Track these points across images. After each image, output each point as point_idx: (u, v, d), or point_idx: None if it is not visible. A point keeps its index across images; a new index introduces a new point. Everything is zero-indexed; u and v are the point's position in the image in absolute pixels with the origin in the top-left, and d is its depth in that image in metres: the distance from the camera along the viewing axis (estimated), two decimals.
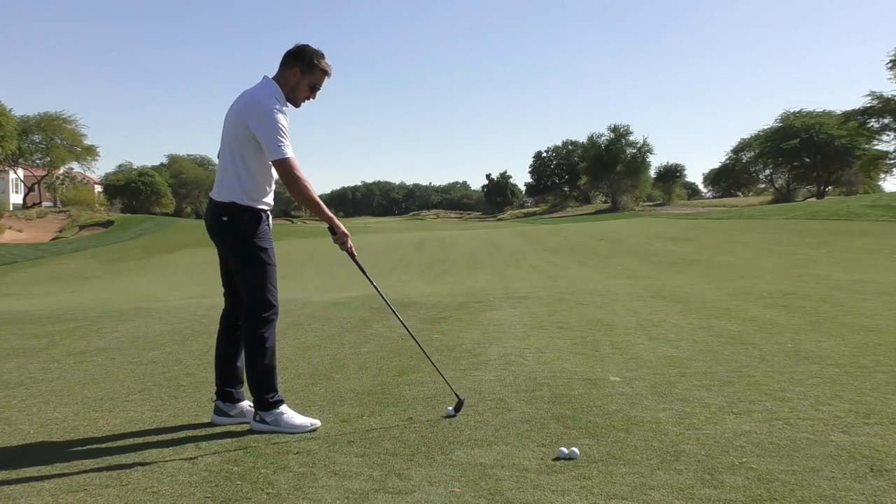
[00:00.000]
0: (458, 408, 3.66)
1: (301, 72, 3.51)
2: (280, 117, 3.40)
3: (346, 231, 3.54)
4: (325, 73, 3.57)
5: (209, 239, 3.61)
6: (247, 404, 3.67)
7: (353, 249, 3.62)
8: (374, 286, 3.80)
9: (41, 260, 29.01)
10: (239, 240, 3.53)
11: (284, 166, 3.39)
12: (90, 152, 60.20)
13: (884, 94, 49.24)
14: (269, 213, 3.62)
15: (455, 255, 21.95)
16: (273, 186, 3.63)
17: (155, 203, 66.16)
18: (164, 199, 67.89)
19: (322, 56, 3.55)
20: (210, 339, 6.29)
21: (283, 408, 3.54)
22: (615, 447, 3.07)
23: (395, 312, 3.91)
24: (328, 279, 16.63)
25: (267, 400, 3.52)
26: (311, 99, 3.62)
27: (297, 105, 3.60)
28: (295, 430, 3.44)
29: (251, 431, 3.50)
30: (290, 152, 3.40)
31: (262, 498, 2.63)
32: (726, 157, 78.90)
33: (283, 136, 3.38)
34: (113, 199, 66.47)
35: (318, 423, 3.52)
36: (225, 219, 3.52)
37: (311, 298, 8.72)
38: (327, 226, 3.56)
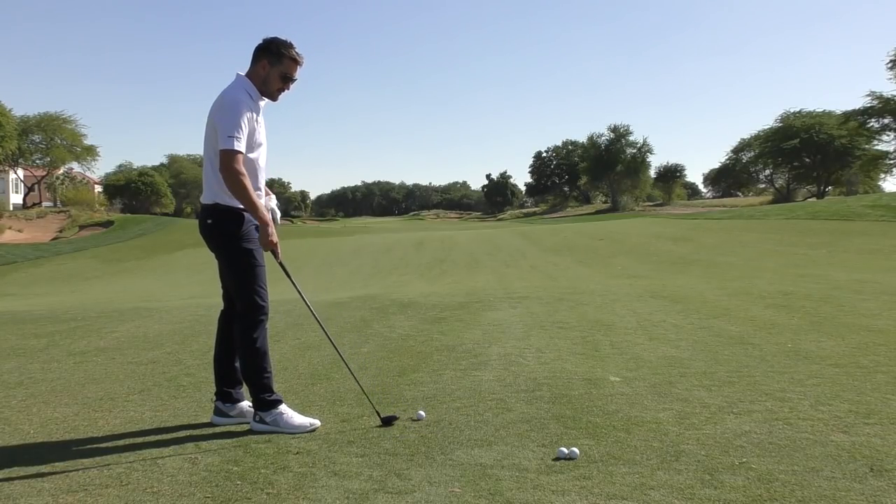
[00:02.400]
0: (387, 421, 3.48)
1: (270, 63, 3.49)
2: (241, 109, 3.37)
3: (270, 225, 3.39)
4: (294, 61, 3.52)
5: None
6: (246, 404, 3.67)
7: (278, 248, 3.50)
8: (299, 292, 3.70)
9: (41, 260, 29.01)
10: (223, 241, 3.51)
11: (227, 157, 3.34)
12: (90, 152, 60.21)
13: (884, 94, 49.28)
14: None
15: (455, 255, 21.94)
16: (260, 184, 3.57)
17: (155, 203, 66.14)
18: (164, 199, 67.89)
19: (290, 45, 3.52)
20: (210, 339, 6.29)
21: (283, 407, 3.53)
22: (615, 447, 3.06)
23: (318, 321, 3.82)
24: (328, 279, 16.63)
25: (265, 399, 3.52)
26: (286, 90, 3.57)
27: (273, 98, 3.56)
28: (294, 430, 3.44)
29: (251, 431, 3.50)
30: (238, 145, 3.34)
31: (262, 498, 2.63)
32: (726, 157, 78.94)
33: (236, 128, 3.34)
34: (113, 199, 66.41)
35: (317, 423, 3.52)
36: (210, 221, 3.52)
37: (310, 298, 8.71)
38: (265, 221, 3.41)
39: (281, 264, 3.56)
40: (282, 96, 3.60)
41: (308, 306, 3.76)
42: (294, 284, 3.63)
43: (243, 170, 3.37)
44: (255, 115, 3.47)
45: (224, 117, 3.36)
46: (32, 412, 3.96)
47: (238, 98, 3.40)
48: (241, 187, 3.36)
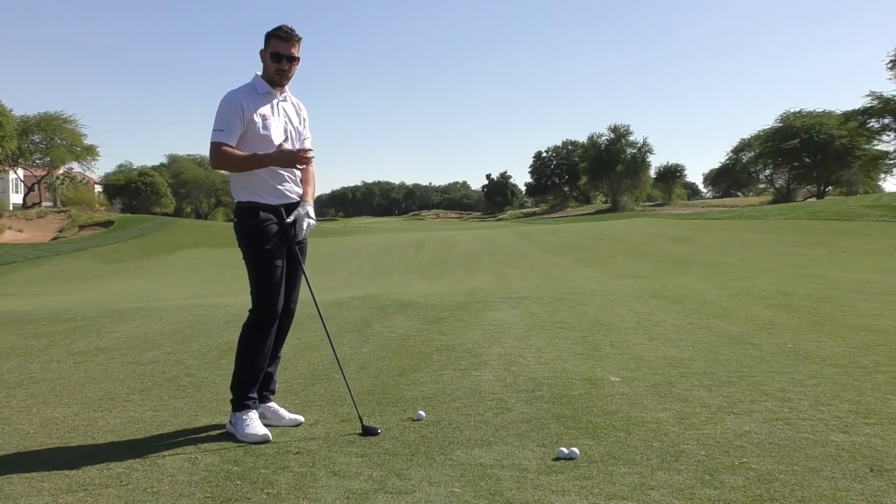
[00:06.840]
0: (367, 432, 3.35)
1: (264, 50, 3.48)
2: (230, 105, 3.37)
3: (283, 150, 3.37)
4: (278, 38, 3.44)
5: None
6: (268, 406, 3.62)
7: (307, 152, 3.42)
8: (310, 287, 3.65)
9: (41, 260, 29.01)
10: (239, 238, 3.51)
11: (210, 149, 3.38)
12: (90, 152, 60.16)
13: (884, 94, 49.33)
14: (282, 207, 3.48)
15: (455, 255, 21.94)
16: (287, 179, 3.50)
17: (155, 203, 66.11)
18: (164, 199, 67.87)
19: (279, 27, 3.46)
20: (210, 338, 6.31)
21: (250, 414, 3.43)
22: (615, 447, 3.06)
23: (322, 320, 3.80)
24: (328, 279, 16.62)
25: (232, 400, 3.48)
26: (285, 71, 3.47)
27: (280, 83, 3.49)
28: (245, 439, 3.31)
29: None
30: (220, 137, 3.35)
31: (262, 498, 2.63)
32: (726, 157, 78.97)
33: (221, 123, 3.36)
34: (113, 199, 66.39)
35: (269, 437, 3.33)
36: (235, 219, 3.54)
37: (311, 298, 8.71)
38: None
39: (298, 248, 3.55)
40: (293, 80, 3.53)
41: (315, 304, 3.73)
42: (306, 277, 3.62)
43: (227, 150, 3.35)
44: (257, 107, 3.42)
45: (215, 115, 3.40)
46: (32, 412, 3.96)
47: (230, 96, 3.40)
48: (232, 161, 3.37)
